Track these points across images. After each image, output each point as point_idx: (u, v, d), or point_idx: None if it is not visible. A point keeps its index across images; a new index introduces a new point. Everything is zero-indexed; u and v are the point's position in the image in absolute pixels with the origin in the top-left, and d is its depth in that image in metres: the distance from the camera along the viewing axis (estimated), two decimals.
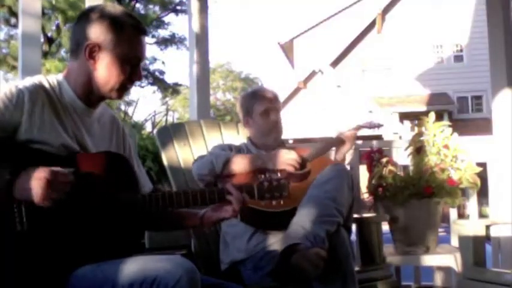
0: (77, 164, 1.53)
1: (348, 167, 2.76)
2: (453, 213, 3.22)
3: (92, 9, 1.63)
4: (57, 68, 14.59)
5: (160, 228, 1.90)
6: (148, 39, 1.74)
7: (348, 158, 2.62)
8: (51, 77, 1.64)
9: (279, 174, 1.68)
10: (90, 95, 1.64)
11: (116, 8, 1.63)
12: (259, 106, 2.48)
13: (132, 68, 1.61)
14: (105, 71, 1.59)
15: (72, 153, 1.56)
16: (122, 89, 1.63)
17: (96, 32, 1.57)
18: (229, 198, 1.60)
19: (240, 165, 2.27)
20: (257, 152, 2.47)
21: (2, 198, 1.39)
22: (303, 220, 2.02)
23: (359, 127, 2.63)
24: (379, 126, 2.72)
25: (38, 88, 1.57)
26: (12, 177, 1.39)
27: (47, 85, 1.60)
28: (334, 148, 2.66)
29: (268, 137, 2.49)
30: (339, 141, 2.59)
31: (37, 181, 1.37)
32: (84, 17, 1.61)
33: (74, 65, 1.62)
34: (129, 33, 1.59)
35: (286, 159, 2.23)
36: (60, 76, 1.65)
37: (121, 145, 1.79)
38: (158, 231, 2.16)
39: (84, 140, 1.63)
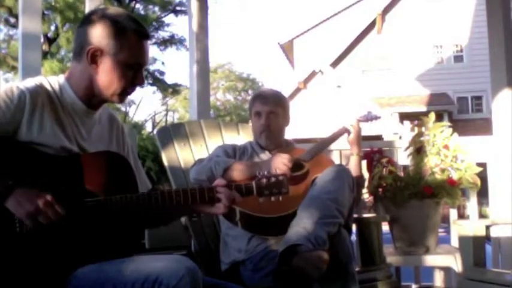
0: (80, 164, 1.53)
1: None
2: (453, 213, 3.22)
3: (94, 12, 1.63)
4: (53, 69, 14.60)
5: (153, 225, 1.89)
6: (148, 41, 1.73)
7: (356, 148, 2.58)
8: (52, 78, 1.64)
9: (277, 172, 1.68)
10: (92, 98, 1.64)
11: (118, 12, 1.63)
12: (255, 107, 2.50)
13: (134, 72, 1.61)
14: (106, 75, 1.59)
15: (75, 154, 1.56)
16: (124, 93, 1.63)
17: (98, 37, 1.57)
18: (219, 195, 1.60)
19: (239, 172, 2.27)
20: (262, 152, 2.48)
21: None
22: (304, 221, 2.02)
23: (357, 120, 2.63)
24: (376, 118, 2.71)
25: (39, 89, 1.57)
26: (14, 184, 1.39)
27: (48, 86, 1.60)
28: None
29: (259, 139, 2.50)
30: (340, 134, 2.59)
31: (38, 198, 1.38)
32: (88, 20, 1.61)
33: (77, 67, 1.62)
34: (131, 39, 1.59)
35: (277, 162, 2.23)
36: (61, 77, 1.65)
37: (120, 143, 1.79)
38: (152, 228, 2.15)
39: (84, 142, 1.63)
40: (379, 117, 2.74)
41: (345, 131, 2.57)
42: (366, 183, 2.86)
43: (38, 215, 1.38)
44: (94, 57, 1.58)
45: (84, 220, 1.48)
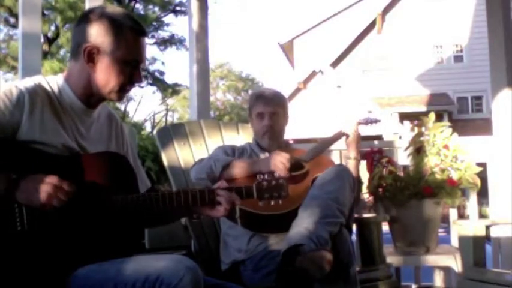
0: (81, 164, 1.53)
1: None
2: (453, 213, 3.22)
3: (91, 10, 1.63)
4: (53, 68, 14.61)
5: (153, 225, 1.90)
6: (148, 40, 1.72)
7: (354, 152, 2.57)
8: (51, 77, 1.64)
9: (277, 175, 1.68)
10: (90, 97, 1.64)
11: (115, 10, 1.63)
12: (256, 108, 2.49)
13: (131, 70, 1.61)
14: (104, 73, 1.58)
15: (76, 153, 1.56)
16: (122, 91, 1.63)
17: (95, 35, 1.57)
18: (219, 199, 1.60)
19: (238, 169, 2.27)
20: (261, 153, 2.47)
21: (5, 198, 1.40)
22: (305, 221, 2.02)
23: (357, 123, 2.62)
24: (376, 121, 2.71)
25: (38, 89, 1.57)
26: (18, 177, 1.40)
27: (46, 86, 1.60)
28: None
29: (262, 140, 2.49)
30: (339, 136, 2.58)
31: (45, 185, 1.39)
32: (84, 18, 1.61)
33: (75, 66, 1.62)
34: (127, 36, 1.58)
35: (275, 161, 2.22)
36: (59, 77, 1.65)
37: (120, 141, 1.78)
38: (152, 227, 2.16)
39: (84, 140, 1.63)
40: (379, 121, 2.74)
41: (343, 134, 2.56)
42: (366, 183, 2.86)
43: (51, 201, 1.40)
44: (91, 55, 1.57)
45: (85, 220, 1.48)
